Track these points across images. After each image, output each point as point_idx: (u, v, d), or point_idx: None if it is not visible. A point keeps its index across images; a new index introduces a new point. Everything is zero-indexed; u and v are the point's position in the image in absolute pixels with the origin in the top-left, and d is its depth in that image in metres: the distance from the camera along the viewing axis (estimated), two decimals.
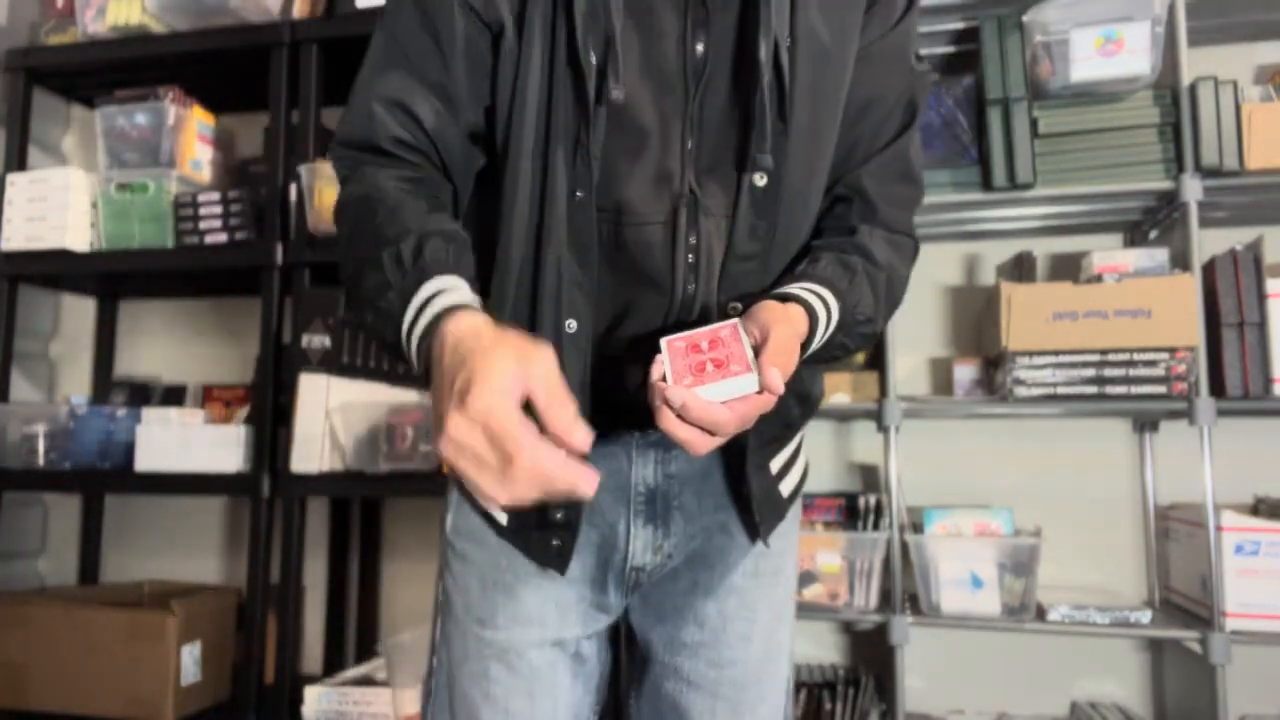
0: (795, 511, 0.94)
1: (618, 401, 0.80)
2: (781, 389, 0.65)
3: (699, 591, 0.87)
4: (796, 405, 0.87)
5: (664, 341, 0.71)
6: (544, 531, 0.81)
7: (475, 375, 0.56)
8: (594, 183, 0.75)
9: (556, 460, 0.54)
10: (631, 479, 0.84)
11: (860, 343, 0.83)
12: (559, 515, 0.80)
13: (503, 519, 0.83)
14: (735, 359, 0.67)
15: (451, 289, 0.66)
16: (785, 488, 0.90)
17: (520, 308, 0.78)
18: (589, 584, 0.86)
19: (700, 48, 0.76)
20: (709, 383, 0.66)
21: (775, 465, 0.88)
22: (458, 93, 0.78)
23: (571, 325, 0.77)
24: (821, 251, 0.81)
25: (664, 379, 0.67)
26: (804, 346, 0.73)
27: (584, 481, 0.55)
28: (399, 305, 0.67)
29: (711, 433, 0.65)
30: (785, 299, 0.74)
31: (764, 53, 0.74)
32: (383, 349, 0.71)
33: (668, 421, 0.64)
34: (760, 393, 0.66)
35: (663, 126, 0.76)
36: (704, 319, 0.78)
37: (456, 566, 0.87)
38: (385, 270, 0.68)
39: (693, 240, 0.77)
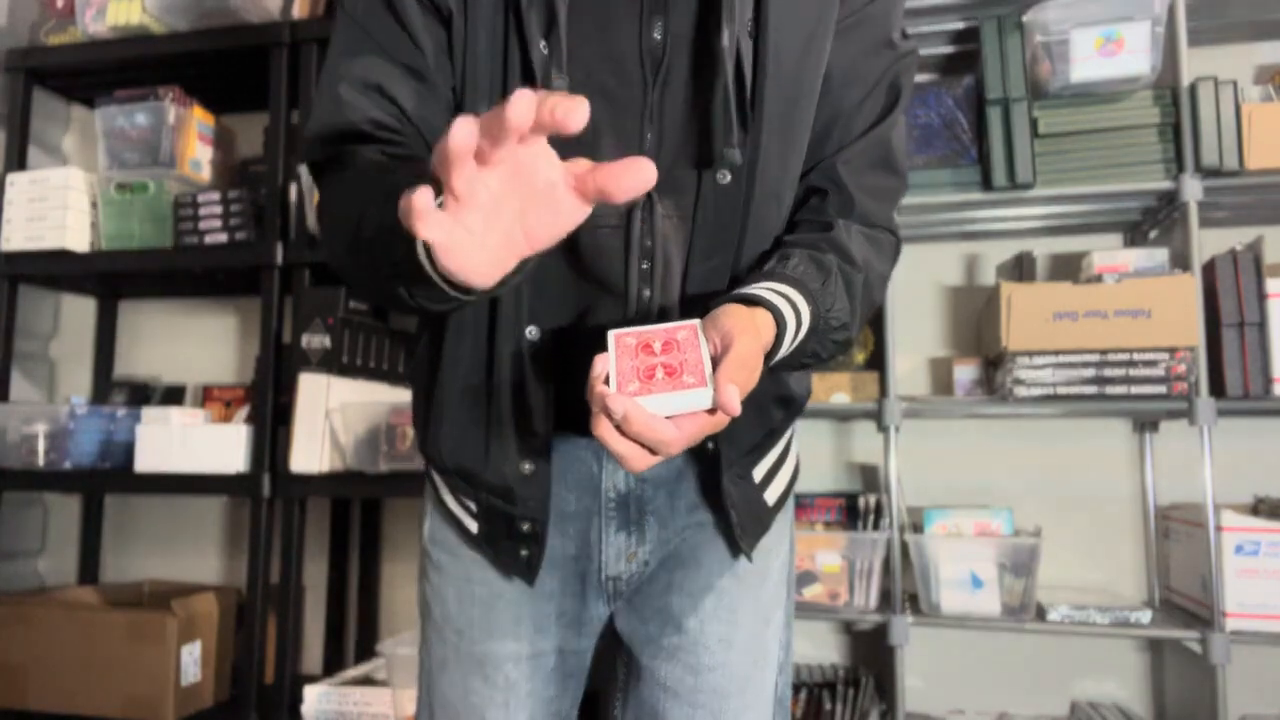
0: (784, 512, 0.88)
1: (582, 402, 0.76)
2: (738, 410, 0.57)
3: (674, 592, 0.82)
4: (778, 409, 0.82)
5: (612, 335, 0.63)
6: (512, 541, 0.78)
7: None
8: None
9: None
10: (601, 484, 0.80)
11: (833, 350, 0.75)
12: (525, 526, 0.77)
13: (473, 527, 0.81)
14: (690, 368, 0.59)
15: None
16: (771, 495, 0.84)
17: (479, 312, 0.73)
18: (568, 598, 0.82)
19: (658, 35, 0.71)
20: (656, 392, 0.58)
21: (759, 473, 0.83)
22: (430, 71, 0.73)
23: (532, 332, 0.73)
24: (793, 248, 0.74)
25: (607, 380, 0.59)
26: (770, 354, 0.65)
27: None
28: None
29: (653, 451, 0.58)
30: (750, 302, 0.66)
31: (726, 40, 0.68)
32: (377, 288, 0.66)
33: (604, 430, 0.56)
34: (713, 411, 0.58)
35: (620, 120, 0.71)
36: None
37: (434, 576, 0.85)
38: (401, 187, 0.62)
39: (648, 243, 0.72)
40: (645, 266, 0.73)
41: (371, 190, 0.65)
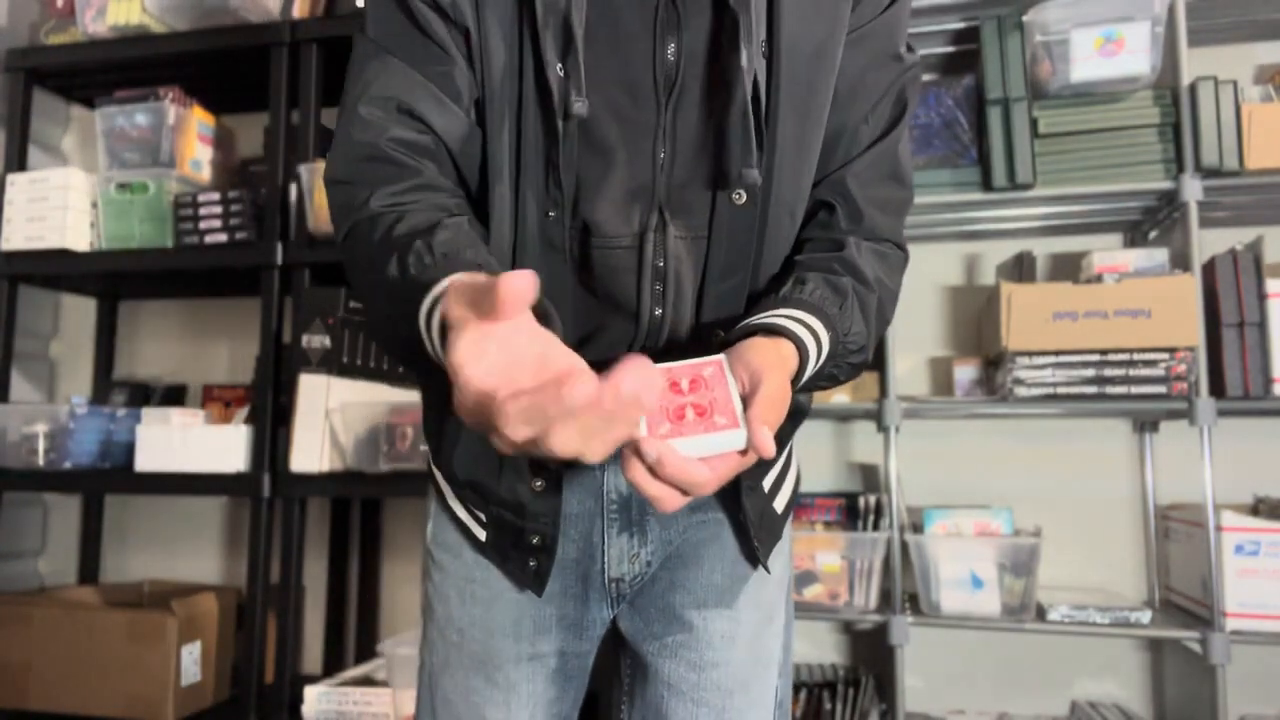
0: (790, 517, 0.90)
1: None
2: (772, 452, 0.58)
3: (677, 590, 0.83)
4: (787, 422, 0.81)
5: None
6: (520, 552, 0.79)
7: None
8: (565, 201, 0.71)
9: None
10: (604, 486, 0.80)
11: (849, 372, 0.76)
12: (535, 539, 0.78)
13: (481, 535, 0.82)
14: (720, 407, 0.59)
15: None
16: (780, 503, 0.86)
17: None
18: (569, 601, 0.83)
19: (671, 54, 0.70)
20: (689, 434, 0.57)
21: (768, 482, 0.84)
22: (460, 80, 0.72)
23: None
24: (808, 271, 0.74)
25: None
26: (792, 383, 0.66)
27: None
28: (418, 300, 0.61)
29: (685, 492, 0.57)
30: (773, 331, 0.67)
31: (745, 61, 0.68)
32: (398, 359, 0.69)
33: (637, 475, 0.56)
34: (744, 452, 0.58)
35: (633, 141, 0.71)
36: (674, 344, 0.74)
37: (436, 576, 0.86)
38: (399, 271, 0.63)
39: (660, 264, 0.72)
40: (658, 287, 0.73)
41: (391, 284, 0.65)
